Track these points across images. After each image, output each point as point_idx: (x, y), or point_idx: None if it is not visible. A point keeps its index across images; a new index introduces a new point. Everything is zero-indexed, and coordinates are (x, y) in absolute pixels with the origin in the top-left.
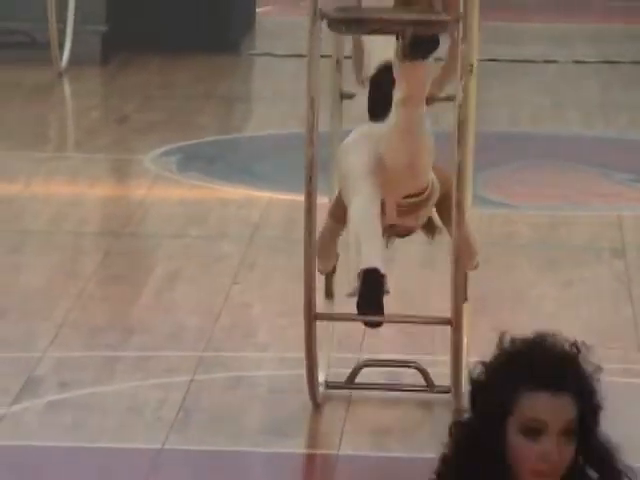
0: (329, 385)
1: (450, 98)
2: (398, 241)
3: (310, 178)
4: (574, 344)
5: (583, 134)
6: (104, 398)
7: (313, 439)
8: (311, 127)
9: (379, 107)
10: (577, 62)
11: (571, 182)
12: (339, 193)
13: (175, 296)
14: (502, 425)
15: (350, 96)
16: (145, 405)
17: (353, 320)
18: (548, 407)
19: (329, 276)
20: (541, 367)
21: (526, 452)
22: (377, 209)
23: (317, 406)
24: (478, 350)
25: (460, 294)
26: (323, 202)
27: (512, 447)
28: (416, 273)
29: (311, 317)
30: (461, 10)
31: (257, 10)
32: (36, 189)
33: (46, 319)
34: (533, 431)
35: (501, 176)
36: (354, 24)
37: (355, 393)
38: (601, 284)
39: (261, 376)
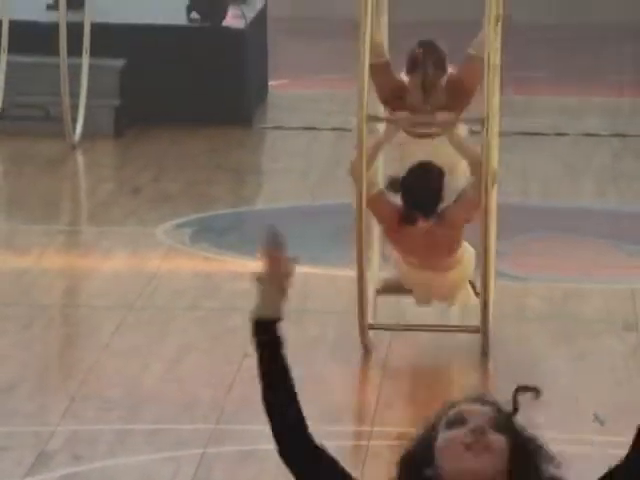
0: None
1: None
2: None
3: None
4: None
5: (595, 206)
6: (116, 471)
7: None
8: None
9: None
10: (588, 135)
11: (583, 254)
12: None
13: (187, 368)
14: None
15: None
16: (157, 478)
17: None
18: (470, 407)
19: None
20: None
21: (453, 436)
22: None
23: None
24: None
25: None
26: (343, 273)
27: (440, 446)
28: None
29: None
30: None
31: (270, 83)
32: (48, 262)
33: (59, 392)
34: (457, 421)
35: (513, 248)
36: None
37: None
38: (614, 357)
39: (273, 450)
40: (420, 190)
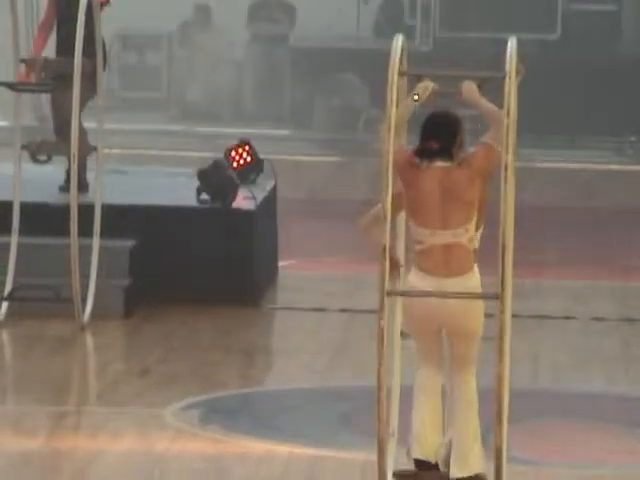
0: None
1: None
2: None
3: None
4: None
5: (605, 391)
6: None
7: None
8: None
9: None
10: (597, 319)
11: (595, 439)
12: None
13: None
14: None
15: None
16: None
17: None
18: None
19: None
20: None
21: None
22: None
23: None
24: None
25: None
26: (352, 457)
27: None
28: None
29: None
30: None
31: (279, 264)
32: (57, 444)
33: None
34: None
35: (523, 432)
36: None
37: None
38: None
39: None
40: (437, 125)
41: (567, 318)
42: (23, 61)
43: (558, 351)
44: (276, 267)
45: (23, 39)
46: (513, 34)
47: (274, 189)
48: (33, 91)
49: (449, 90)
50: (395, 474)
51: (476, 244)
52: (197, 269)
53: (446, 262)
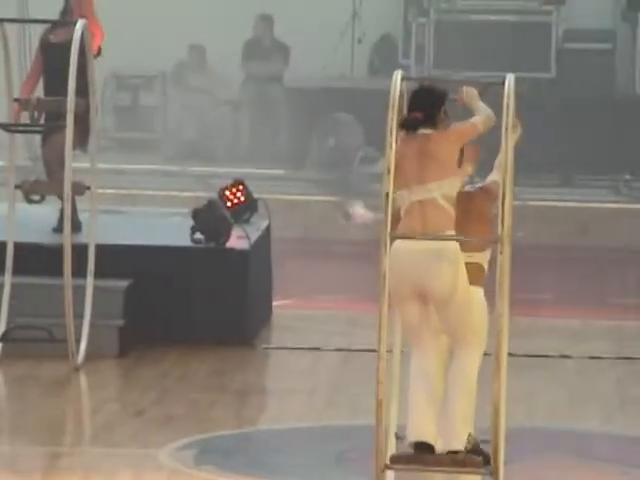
0: None
1: None
2: None
3: None
4: None
5: (601, 431)
6: None
7: None
8: None
9: None
10: (593, 358)
11: (590, 479)
12: None
13: None
14: None
15: None
16: None
17: None
18: None
19: None
20: None
21: None
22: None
23: None
24: None
25: None
26: None
27: None
28: None
29: None
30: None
31: (273, 303)
32: None
33: None
34: None
35: (515, 472)
36: None
37: None
38: None
39: None
40: (422, 97)
41: (563, 357)
42: (17, 100)
43: (554, 390)
44: (270, 307)
45: (16, 80)
46: (508, 73)
47: (268, 229)
48: (26, 132)
49: (451, 97)
50: (392, 458)
51: (485, 265)
52: (191, 309)
53: (423, 221)
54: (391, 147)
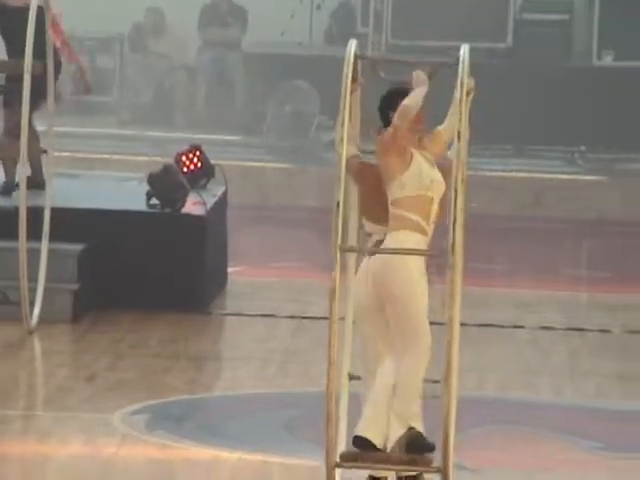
0: None
1: None
2: None
3: None
4: None
5: (551, 401)
6: None
7: None
8: None
9: None
10: (545, 328)
11: (539, 449)
12: None
13: None
14: None
15: None
16: None
17: None
18: None
19: None
20: None
21: None
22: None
23: None
24: None
25: None
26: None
27: None
28: None
29: None
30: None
31: (228, 270)
32: (4, 449)
33: None
34: None
35: (465, 441)
36: None
37: None
38: None
39: None
40: (391, 92)
41: (515, 327)
42: None
43: (505, 360)
44: (225, 273)
45: None
46: (464, 42)
47: (225, 195)
48: None
49: (403, 78)
50: (341, 455)
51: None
52: (146, 275)
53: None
54: (343, 124)
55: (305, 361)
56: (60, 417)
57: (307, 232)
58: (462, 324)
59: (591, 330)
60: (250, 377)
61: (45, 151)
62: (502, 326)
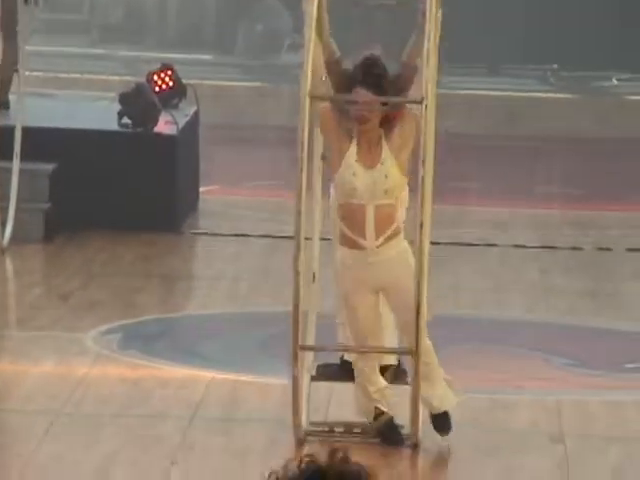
0: None
1: None
2: None
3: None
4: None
5: (524, 319)
6: None
7: None
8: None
9: None
10: (517, 246)
11: (510, 366)
12: None
13: (113, 477)
14: None
15: None
16: None
17: None
18: None
19: None
20: None
21: None
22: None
23: None
24: None
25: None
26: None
27: None
28: None
29: None
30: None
31: (200, 189)
32: None
33: None
34: None
35: (442, 359)
36: None
37: None
38: (541, 470)
39: None
40: (367, 61)
41: (488, 245)
42: None
43: (478, 279)
44: (197, 193)
45: None
46: None
47: (196, 114)
48: None
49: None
50: (319, 367)
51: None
52: (118, 194)
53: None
54: (308, 51)
55: (278, 280)
56: (33, 337)
57: (280, 151)
58: (435, 243)
59: (563, 248)
60: (223, 297)
61: (16, 70)
62: (474, 244)
